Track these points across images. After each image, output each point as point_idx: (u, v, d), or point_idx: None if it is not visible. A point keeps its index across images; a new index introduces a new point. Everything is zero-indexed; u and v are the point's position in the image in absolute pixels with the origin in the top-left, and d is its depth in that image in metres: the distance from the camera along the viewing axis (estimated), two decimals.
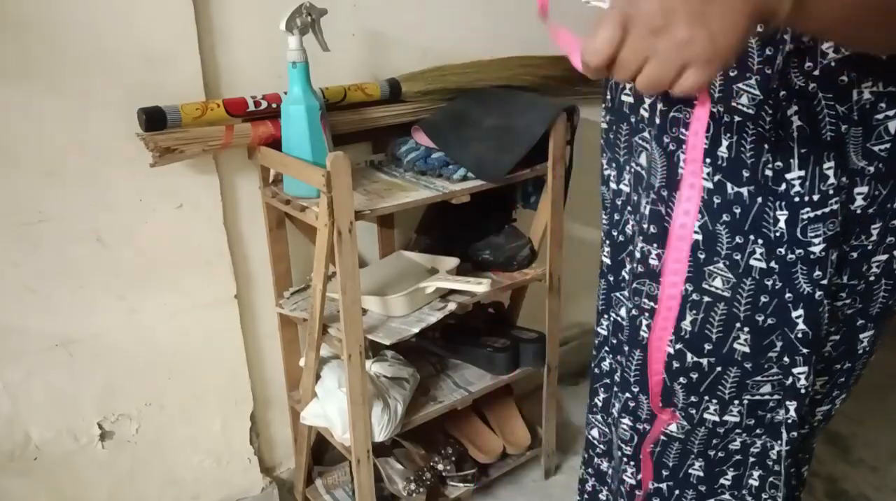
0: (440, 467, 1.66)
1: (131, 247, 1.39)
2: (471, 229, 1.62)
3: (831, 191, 0.73)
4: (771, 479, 0.91)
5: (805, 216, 0.75)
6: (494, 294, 1.61)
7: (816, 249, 0.75)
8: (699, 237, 0.80)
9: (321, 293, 1.36)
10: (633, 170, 0.95)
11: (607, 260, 1.08)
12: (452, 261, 1.54)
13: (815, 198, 0.74)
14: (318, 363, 1.49)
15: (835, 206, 0.74)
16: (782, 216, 0.75)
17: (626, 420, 0.98)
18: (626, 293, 1.00)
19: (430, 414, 1.53)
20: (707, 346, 0.84)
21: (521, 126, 1.48)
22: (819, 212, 0.74)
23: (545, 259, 1.62)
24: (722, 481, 0.94)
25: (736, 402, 0.86)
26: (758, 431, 0.89)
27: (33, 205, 1.27)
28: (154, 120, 1.27)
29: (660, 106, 0.83)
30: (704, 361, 0.84)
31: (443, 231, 1.65)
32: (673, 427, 0.89)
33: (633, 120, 0.94)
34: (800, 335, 0.79)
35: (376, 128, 1.52)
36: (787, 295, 0.78)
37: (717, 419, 0.87)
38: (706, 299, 0.82)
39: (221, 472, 1.64)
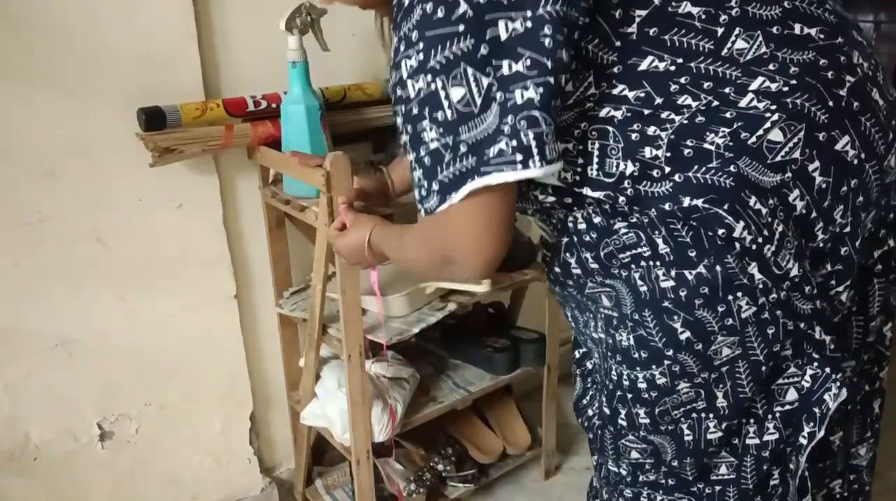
0: (440, 467, 1.65)
1: (131, 247, 1.39)
2: None
3: None
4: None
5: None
6: (494, 294, 1.61)
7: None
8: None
9: (321, 293, 1.36)
10: None
11: None
12: None
13: None
14: (318, 363, 1.49)
15: None
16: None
17: None
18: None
19: (430, 414, 1.53)
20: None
21: None
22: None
23: None
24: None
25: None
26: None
27: (33, 205, 1.27)
28: (154, 120, 1.27)
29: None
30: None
31: None
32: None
33: None
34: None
35: (376, 128, 1.52)
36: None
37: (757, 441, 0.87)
38: None
39: (221, 472, 1.64)
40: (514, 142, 0.67)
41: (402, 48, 0.70)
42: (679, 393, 0.80)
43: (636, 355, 0.80)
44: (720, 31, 0.72)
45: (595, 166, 0.74)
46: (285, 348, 1.62)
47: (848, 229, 0.76)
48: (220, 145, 1.33)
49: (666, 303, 0.76)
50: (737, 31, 0.72)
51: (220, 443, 1.62)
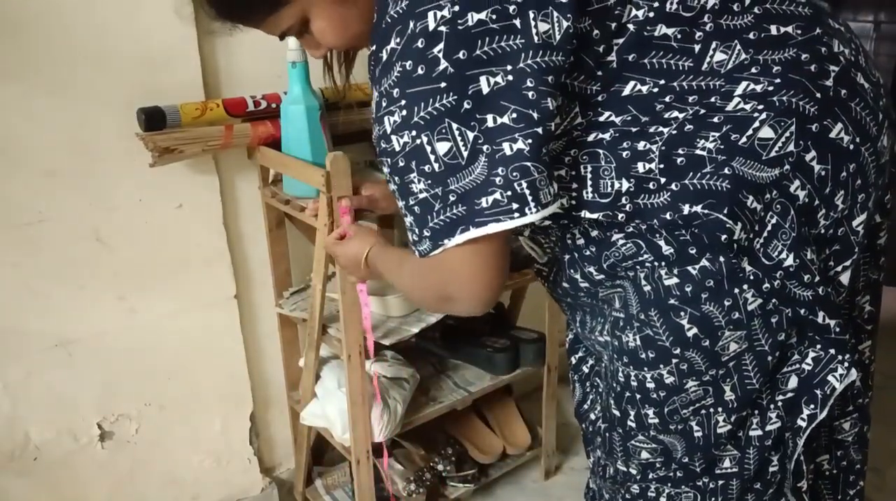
0: (440, 467, 1.65)
1: (131, 247, 1.39)
2: None
3: None
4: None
5: None
6: None
7: None
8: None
9: (321, 293, 1.36)
10: None
11: None
12: None
13: None
14: (318, 363, 1.48)
15: None
16: None
17: None
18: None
19: (430, 414, 1.53)
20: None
21: None
22: None
23: None
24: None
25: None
26: None
27: (33, 205, 1.27)
28: (153, 120, 1.27)
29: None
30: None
31: None
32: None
33: None
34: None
35: None
36: None
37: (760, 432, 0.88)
38: None
39: (221, 472, 1.64)
40: (509, 193, 0.67)
41: (383, 104, 0.70)
42: (688, 391, 0.80)
43: (643, 355, 0.80)
44: (697, 47, 0.72)
45: (590, 189, 0.75)
46: (285, 348, 1.62)
47: (847, 212, 0.77)
48: (220, 145, 1.33)
49: (672, 301, 0.76)
50: (714, 44, 0.72)
51: (220, 443, 1.62)
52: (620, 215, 0.74)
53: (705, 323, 0.76)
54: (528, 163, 0.67)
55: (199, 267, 1.47)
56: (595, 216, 0.76)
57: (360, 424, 1.39)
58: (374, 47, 0.71)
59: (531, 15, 0.65)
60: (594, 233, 0.80)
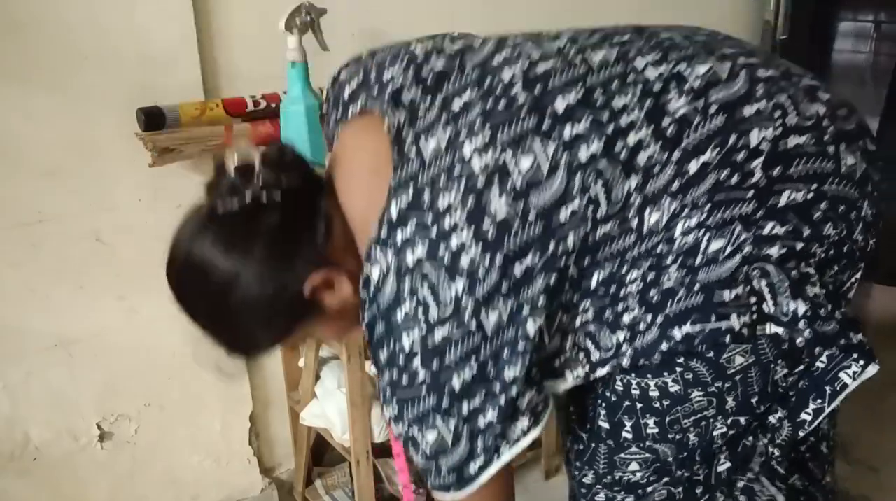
0: None
1: (131, 247, 1.39)
2: None
3: None
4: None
5: None
6: None
7: None
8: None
9: None
10: None
11: None
12: None
13: None
14: (318, 363, 1.48)
15: None
16: None
17: None
18: None
19: None
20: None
21: None
22: None
23: None
24: None
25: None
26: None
27: (33, 205, 1.27)
28: (153, 120, 1.27)
29: None
30: None
31: None
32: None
33: None
34: None
35: None
36: None
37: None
38: None
39: (221, 473, 1.64)
40: (486, 458, 0.79)
41: (380, 398, 0.82)
42: (692, 401, 0.80)
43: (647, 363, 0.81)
44: (635, 221, 0.74)
45: (595, 353, 0.79)
46: (285, 348, 1.62)
47: (845, 232, 0.76)
48: (220, 145, 1.33)
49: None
50: (647, 209, 0.74)
51: (220, 443, 1.62)
52: (625, 360, 0.78)
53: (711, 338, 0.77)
54: (501, 425, 0.78)
55: None
56: (606, 370, 0.80)
57: (359, 424, 1.39)
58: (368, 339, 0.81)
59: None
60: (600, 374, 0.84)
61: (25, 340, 1.33)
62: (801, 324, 0.73)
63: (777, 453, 0.83)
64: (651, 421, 0.82)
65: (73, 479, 1.44)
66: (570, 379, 0.82)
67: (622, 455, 0.85)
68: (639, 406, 0.83)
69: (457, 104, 0.76)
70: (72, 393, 1.40)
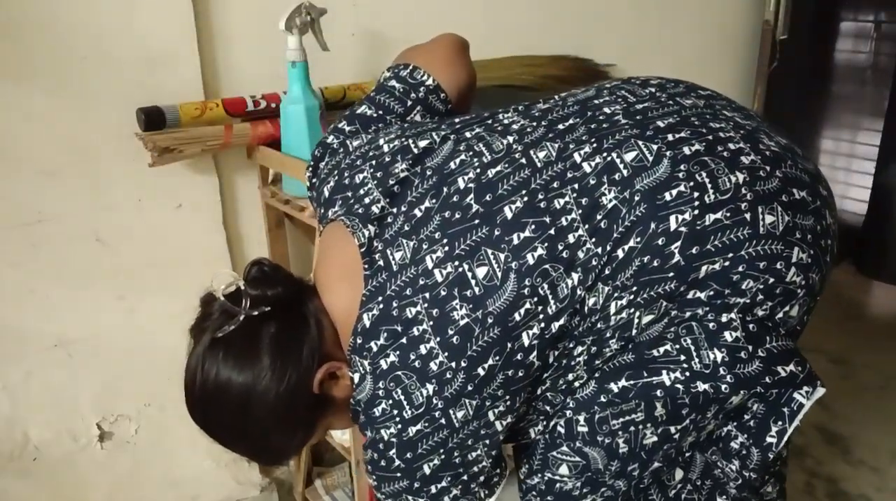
0: None
1: (130, 247, 1.39)
2: None
3: None
4: None
5: None
6: None
7: None
8: None
9: None
10: None
11: None
12: None
13: None
14: None
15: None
16: None
17: None
18: None
19: None
20: None
21: None
22: None
23: None
24: None
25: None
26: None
27: (33, 205, 1.27)
28: (153, 119, 1.27)
29: None
30: None
31: None
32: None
33: None
34: None
35: None
36: None
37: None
38: None
39: (221, 473, 1.63)
40: None
41: (373, 479, 0.90)
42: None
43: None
44: (577, 306, 0.81)
45: (550, 410, 0.89)
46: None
47: (772, 281, 0.78)
48: (220, 145, 1.34)
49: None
50: (586, 295, 0.81)
51: None
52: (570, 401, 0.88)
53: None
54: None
55: (198, 267, 1.47)
56: (552, 417, 0.89)
57: None
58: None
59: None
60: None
61: (25, 340, 1.33)
62: (722, 371, 0.77)
63: (754, 476, 0.84)
64: (581, 418, 0.85)
65: (72, 479, 1.44)
66: (533, 435, 0.90)
67: (554, 452, 0.88)
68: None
69: (418, 212, 0.85)
70: (71, 393, 1.40)
